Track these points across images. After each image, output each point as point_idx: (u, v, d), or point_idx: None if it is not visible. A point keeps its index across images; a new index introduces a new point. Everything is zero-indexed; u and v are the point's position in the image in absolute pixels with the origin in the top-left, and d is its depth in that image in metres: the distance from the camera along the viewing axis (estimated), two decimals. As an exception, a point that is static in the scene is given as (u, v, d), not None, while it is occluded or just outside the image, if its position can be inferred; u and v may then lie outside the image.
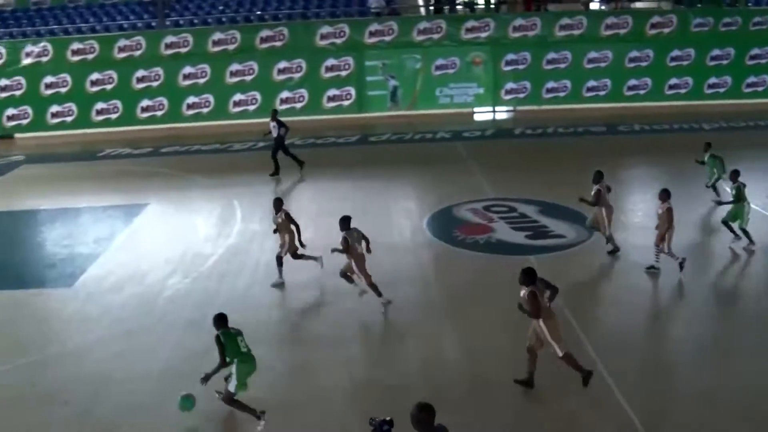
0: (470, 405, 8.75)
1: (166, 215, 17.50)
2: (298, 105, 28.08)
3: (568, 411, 8.68)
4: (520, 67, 27.78)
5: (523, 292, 8.58)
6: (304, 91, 27.94)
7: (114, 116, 28.27)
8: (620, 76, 27.78)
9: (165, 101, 28.08)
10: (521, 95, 28.13)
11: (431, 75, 27.77)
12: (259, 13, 28.77)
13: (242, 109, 28.14)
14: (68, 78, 27.78)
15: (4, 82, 27.83)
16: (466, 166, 19.88)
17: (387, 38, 27.22)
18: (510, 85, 27.97)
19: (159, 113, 28.13)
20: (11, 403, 9.37)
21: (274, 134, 20.38)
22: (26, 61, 27.51)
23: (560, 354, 8.63)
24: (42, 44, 27.41)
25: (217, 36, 27.27)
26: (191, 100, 28.03)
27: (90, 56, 27.47)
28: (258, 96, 27.95)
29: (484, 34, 27.22)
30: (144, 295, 12.67)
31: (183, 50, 27.43)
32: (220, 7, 29.59)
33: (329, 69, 27.73)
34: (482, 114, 28.63)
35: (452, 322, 11.05)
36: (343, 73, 27.79)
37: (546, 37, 27.22)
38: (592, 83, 27.91)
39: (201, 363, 10.03)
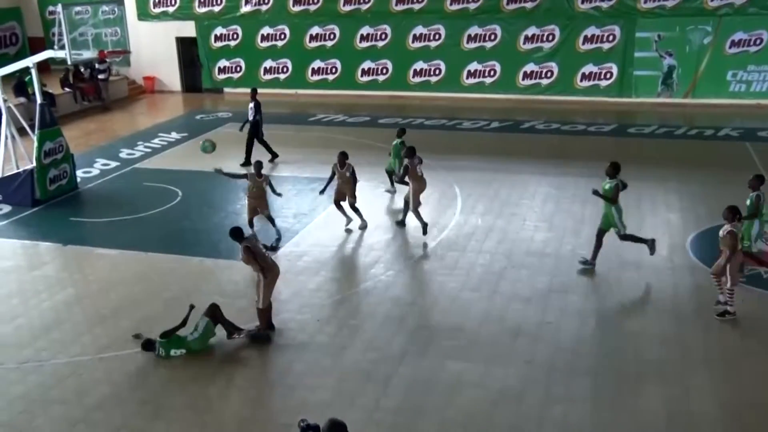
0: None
1: (375, 196, 18.17)
2: (545, 81, 28.01)
3: None
4: None
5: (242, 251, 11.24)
6: (553, 65, 27.79)
7: (331, 77, 30.04)
8: None
9: (389, 65, 29.28)
10: None
11: (723, 54, 26.23)
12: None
13: (477, 81, 28.56)
14: (286, 30, 29.94)
15: (219, 30, 30.65)
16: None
17: (668, 3, 26.08)
18: (842, 71, 25.63)
19: (381, 78, 29.40)
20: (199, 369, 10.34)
21: (250, 117, 20.54)
22: (245, 9, 29.97)
23: (260, 306, 11.19)
24: (264, -10, 29.72)
25: (457, -8, 27.88)
26: (419, 65, 29.00)
27: (312, 7, 29.35)
28: (497, 67, 28.25)
29: (817, -3, 25.04)
30: (340, 282, 13.29)
31: (416, 6, 28.30)
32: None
33: (588, 40, 27.28)
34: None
35: (709, 369, 10.42)
36: (606, 46, 27.18)
37: None
38: None
39: (393, 368, 10.41)
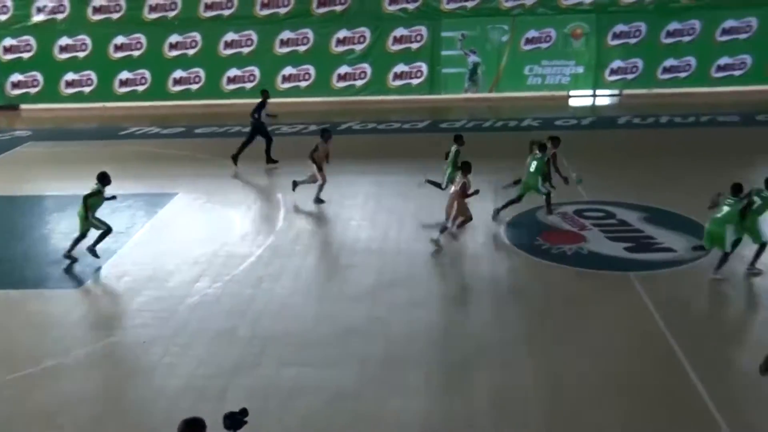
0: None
1: (196, 208, 17.82)
2: (359, 83, 28.38)
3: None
4: (632, 40, 27.34)
5: None
6: (366, 67, 28.21)
7: (141, 88, 29.08)
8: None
9: (202, 73, 28.74)
10: (630, 76, 27.72)
11: (519, 50, 27.64)
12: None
13: (293, 86, 28.54)
14: (88, 41, 28.67)
15: (9, 42, 28.77)
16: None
17: (469, 4, 27.19)
18: (617, 64, 27.59)
19: (194, 87, 28.82)
20: None
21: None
22: (37, 18, 28.40)
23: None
24: (58, -3, 28.22)
25: (267, -2, 27.76)
26: (233, 72, 28.61)
27: (115, 15, 28.29)
28: (311, 71, 28.36)
29: (588, 0, 26.90)
30: (165, 300, 12.90)
31: (225, 12, 28.01)
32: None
33: (398, 40, 27.91)
34: (580, 98, 28.38)
35: (529, 347, 10.98)
36: (414, 46, 27.91)
37: (668, 2, 26.63)
38: (725, 61, 27.15)
39: (227, 381, 10.25)
